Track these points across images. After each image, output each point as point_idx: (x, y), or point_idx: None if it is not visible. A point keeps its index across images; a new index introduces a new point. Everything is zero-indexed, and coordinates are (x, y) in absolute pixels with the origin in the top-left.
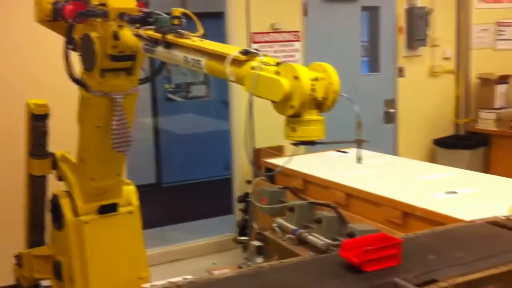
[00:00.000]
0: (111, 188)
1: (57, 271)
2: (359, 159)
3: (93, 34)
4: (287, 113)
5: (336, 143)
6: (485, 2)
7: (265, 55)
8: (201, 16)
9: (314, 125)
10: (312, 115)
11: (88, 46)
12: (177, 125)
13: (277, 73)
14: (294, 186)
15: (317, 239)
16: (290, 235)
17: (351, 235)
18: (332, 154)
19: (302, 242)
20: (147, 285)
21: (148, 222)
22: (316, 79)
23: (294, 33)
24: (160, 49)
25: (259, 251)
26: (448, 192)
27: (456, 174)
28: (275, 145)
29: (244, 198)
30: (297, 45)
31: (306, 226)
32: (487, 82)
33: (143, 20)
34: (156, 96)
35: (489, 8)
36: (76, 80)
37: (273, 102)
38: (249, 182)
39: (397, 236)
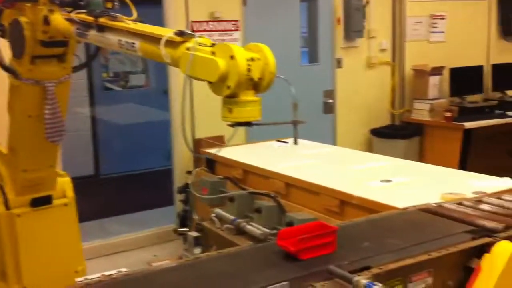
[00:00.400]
0: (44, 180)
1: None
2: (295, 140)
3: (22, 19)
4: (224, 93)
5: (272, 124)
6: None
7: (200, 37)
8: (138, 2)
9: (251, 106)
10: (248, 96)
11: (17, 32)
12: (116, 115)
13: (213, 53)
14: (234, 176)
15: (255, 228)
16: (228, 225)
17: (290, 224)
18: (272, 144)
19: (241, 232)
20: (81, 279)
21: (86, 215)
22: (252, 59)
23: (234, 22)
24: (93, 33)
25: (197, 241)
26: (383, 181)
27: (391, 163)
28: (216, 135)
29: (184, 189)
30: (236, 34)
31: (247, 216)
32: (421, 74)
33: (74, 4)
34: (93, 85)
35: (422, 1)
36: (5, 68)
37: (209, 82)
38: (189, 172)
39: (334, 224)
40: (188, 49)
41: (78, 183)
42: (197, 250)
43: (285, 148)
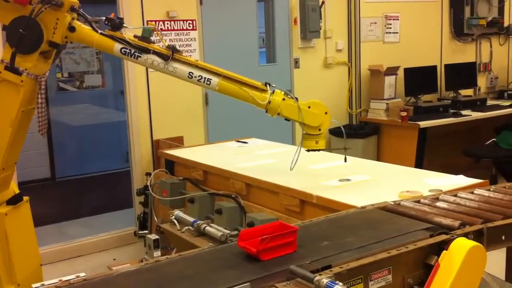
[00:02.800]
0: (9, 178)
1: None
2: (345, 159)
3: (40, 20)
4: (315, 133)
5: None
6: None
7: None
8: (94, 1)
9: (324, 139)
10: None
11: (31, 30)
12: (71, 116)
13: (309, 107)
14: (194, 177)
15: (216, 230)
16: (188, 227)
17: (250, 224)
18: (232, 144)
19: (201, 233)
20: (38, 284)
21: (44, 218)
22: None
23: (190, 22)
24: (149, 58)
25: (156, 244)
26: (342, 180)
27: (350, 162)
28: (175, 136)
29: (144, 190)
30: (193, 34)
31: (207, 217)
32: (376, 74)
33: (119, 26)
34: (48, 86)
35: (377, 2)
36: (12, 66)
37: (303, 123)
38: (148, 174)
39: (294, 224)
40: (284, 99)
41: (34, 186)
42: (157, 253)
43: (244, 148)
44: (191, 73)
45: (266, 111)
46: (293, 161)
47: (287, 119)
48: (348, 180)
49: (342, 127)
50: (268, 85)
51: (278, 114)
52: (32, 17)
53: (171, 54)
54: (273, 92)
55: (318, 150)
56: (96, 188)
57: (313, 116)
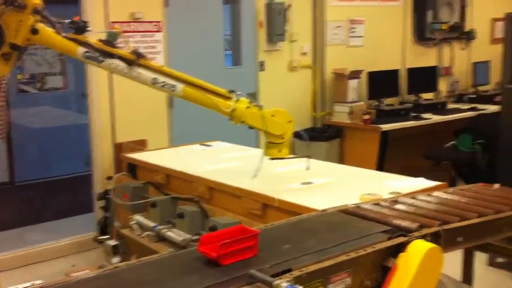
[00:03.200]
0: None
1: None
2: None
3: (2, 21)
4: (278, 141)
5: (292, 158)
6: (338, 0)
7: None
8: (56, 1)
9: (287, 148)
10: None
11: None
12: (32, 118)
13: (273, 115)
14: (156, 181)
15: (176, 235)
16: (149, 232)
17: (213, 228)
18: (196, 148)
19: (162, 238)
20: None
21: (2, 223)
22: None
23: (155, 24)
24: (112, 62)
25: (116, 250)
26: (304, 183)
27: (312, 165)
28: (137, 139)
29: (105, 195)
30: (158, 36)
31: (169, 222)
32: (340, 77)
33: (82, 29)
34: (8, 87)
35: (342, 6)
36: None
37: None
38: (110, 178)
39: (256, 227)
40: (248, 107)
41: None
42: (116, 259)
43: (208, 151)
44: (155, 79)
45: (230, 119)
46: (256, 170)
47: (250, 127)
48: (311, 183)
49: (305, 134)
50: (233, 93)
51: (242, 122)
52: None
53: (135, 59)
54: (238, 99)
55: (282, 158)
56: (56, 192)
57: (277, 124)
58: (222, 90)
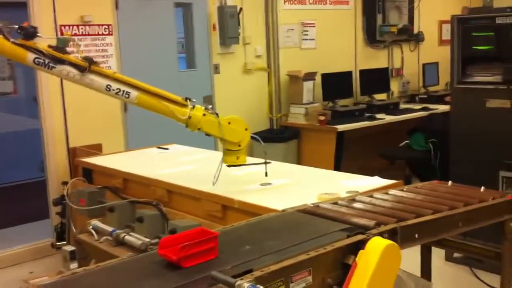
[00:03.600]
0: None
1: None
2: (266, 174)
3: None
4: (235, 149)
5: (251, 165)
6: (290, 4)
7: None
8: (4, 5)
9: (244, 155)
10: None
11: None
12: None
13: (229, 123)
14: (113, 185)
15: (135, 238)
16: (107, 237)
17: (173, 231)
18: (152, 151)
19: (120, 243)
20: None
21: None
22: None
23: (106, 27)
24: (64, 69)
25: (73, 256)
26: (263, 184)
27: (271, 166)
28: (92, 144)
29: (61, 200)
30: (109, 39)
31: (128, 226)
32: (295, 79)
33: (32, 35)
34: None
35: (293, 9)
36: None
37: (221, 139)
38: (65, 183)
39: (216, 229)
40: (204, 114)
41: None
42: (74, 265)
43: (165, 154)
44: (108, 86)
45: (187, 126)
46: (215, 177)
47: (207, 134)
48: (269, 184)
49: (261, 141)
50: (188, 100)
51: (199, 129)
52: None
53: (87, 66)
54: (194, 107)
55: (239, 165)
56: (9, 199)
57: (233, 132)
58: (177, 98)
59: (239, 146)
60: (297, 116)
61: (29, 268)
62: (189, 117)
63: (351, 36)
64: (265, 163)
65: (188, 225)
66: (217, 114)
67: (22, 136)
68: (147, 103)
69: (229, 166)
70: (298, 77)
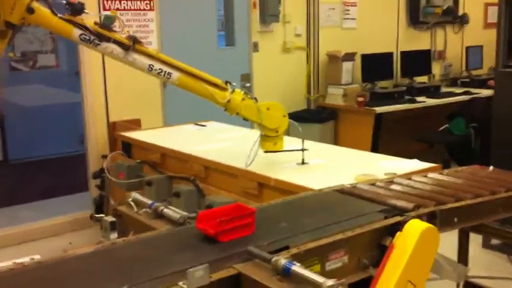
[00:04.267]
0: None
1: None
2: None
3: None
4: (272, 135)
5: (287, 151)
6: None
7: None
8: None
9: (282, 141)
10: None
11: None
12: (24, 97)
13: (268, 108)
14: (151, 160)
15: (174, 212)
16: (146, 209)
17: (209, 207)
18: (190, 127)
19: (159, 215)
20: None
21: None
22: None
23: (148, 2)
24: (108, 46)
25: (113, 226)
26: (299, 163)
27: (307, 146)
28: (132, 118)
29: (100, 173)
30: (150, 14)
31: (165, 200)
32: (334, 59)
33: (80, 11)
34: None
35: None
36: None
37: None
38: (104, 157)
39: (253, 206)
40: (243, 99)
41: None
42: (114, 235)
43: (202, 131)
44: (151, 66)
45: (225, 109)
46: (249, 158)
47: (245, 119)
48: (306, 163)
49: (300, 128)
50: (228, 84)
51: (237, 113)
52: None
53: (131, 45)
54: (233, 91)
55: (276, 151)
56: (50, 171)
57: (272, 118)
58: (218, 81)
59: (277, 132)
60: (335, 97)
61: (69, 239)
62: (229, 101)
63: (393, 16)
64: (302, 150)
65: (224, 201)
66: (256, 99)
67: (63, 110)
68: (187, 84)
69: (265, 152)
70: (337, 57)
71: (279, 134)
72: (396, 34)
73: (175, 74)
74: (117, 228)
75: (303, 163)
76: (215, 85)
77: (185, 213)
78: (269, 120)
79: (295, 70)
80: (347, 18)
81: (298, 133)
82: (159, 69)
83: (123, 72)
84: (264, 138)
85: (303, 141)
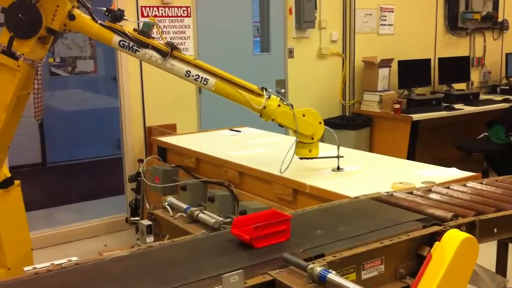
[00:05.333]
0: (1, 162)
1: None
2: (338, 168)
3: (40, 5)
4: (307, 141)
5: (321, 158)
6: None
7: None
8: None
9: (317, 148)
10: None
11: (30, 15)
12: (63, 101)
13: (304, 115)
14: (187, 164)
15: (209, 217)
16: (181, 214)
17: (243, 213)
18: (225, 133)
19: (194, 220)
20: (30, 268)
21: (34, 203)
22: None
23: (185, 9)
24: (147, 52)
25: (149, 230)
26: (334, 170)
27: (342, 153)
28: (167, 123)
29: (136, 177)
30: (187, 21)
31: (199, 205)
32: (370, 66)
33: (119, 17)
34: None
35: None
36: (9, 51)
37: (295, 131)
38: (140, 161)
39: (287, 212)
40: (279, 105)
41: (24, 171)
42: (150, 239)
43: (237, 136)
44: (188, 72)
45: (261, 116)
46: (283, 163)
47: (281, 125)
48: (342, 169)
49: (335, 135)
50: (264, 90)
51: (273, 119)
52: (32, 2)
53: (170, 51)
54: (269, 97)
55: (311, 158)
56: (87, 174)
57: (307, 125)
58: (253, 87)
59: (312, 139)
60: (370, 103)
61: (104, 241)
62: (264, 107)
63: (431, 22)
64: (338, 157)
65: (258, 207)
66: (292, 106)
67: (100, 114)
68: (224, 90)
69: (301, 158)
70: (374, 63)
71: (314, 141)
72: (434, 40)
73: (212, 80)
74: (153, 231)
75: (338, 169)
76: (251, 91)
77: (220, 218)
78: (304, 126)
79: (330, 76)
80: (384, 24)
81: (333, 140)
82: (196, 75)
83: (160, 78)
84: (299, 145)
85: (338, 147)
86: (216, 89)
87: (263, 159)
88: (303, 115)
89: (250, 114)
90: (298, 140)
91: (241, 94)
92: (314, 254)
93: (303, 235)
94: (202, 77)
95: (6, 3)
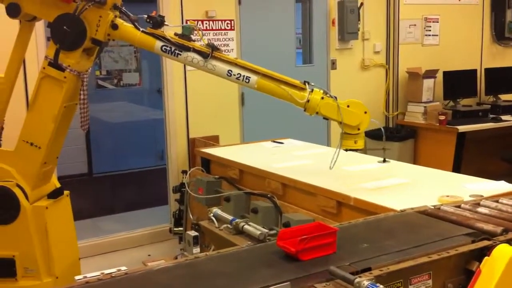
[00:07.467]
0: (51, 172)
1: (8, 269)
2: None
3: (84, 17)
4: (353, 132)
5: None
6: None
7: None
8: (134, 1)
9: (363, 139)
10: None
11: (75, 27)
12: (109, 113)
13: (348, 106)
14: (230, 176)
15: (254, 228)
16: (226, 225)
17: (286, 224)
18: (268, 144)
19: (239, 231)
20: (80, 277)
21: (80, 213)
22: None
23: (228, 22)
24: (189, 55)
25: (196, 241)
26: (379, 182)
27: (387, 165)
28: (210, 135)
29: (180, 188)
30: (231, 34)
31: (243, 216)
32: (415, 76)
33: (160, 23)
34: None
35: (416, 4)
36: (56, 63)
37: (339, 122)
38: (184, 172)
39: (331, 225)
40: (322, 98)
41: (71, 181)
42: (196, 249)
43: (280, 148)
44: (230, 71)
45: (305, 110)
46: (332, 160)
47: (325, 118)
48: (386, 182)
49: (382, 129)
50: (307, 84)
51: (317, 113)
52: (76, 15)
53: (210, 52)
54: (312, 90)
55: (357, 150)
56: (131, 185)
57: (352, 115)
58: (296, 81)
59: (358, 129)
60: (415, 114)
61: (148, 251)
62: (308, 101)
63: (477, 32)
64: (384, 149)
65: (302, 220)
66: (335, 98)
67: (144, 125)
68: (266, 87)
69: (346, 150)
70: (418, 74)
71: (360, 132)
72: (480, 50)
73: (254, 78)
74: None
75: (384, 161)
76: (293, 86)
77: (265, 230)
78: (349, 117)
79: (373, 87)
80: (429, 34)
81: (377, 153)
82: (238, 73)
83: (204, 90)
84: (345, 136)
85: (384, 136)
86: (259, 86)
87: (306, 171)
88: (348, 106)
89: (292, 125)
90: (343, 131)
91: (284, 90)
92: (360, 267)
93: (349, 248)
94: (244, 76)
95: (51, 17)
